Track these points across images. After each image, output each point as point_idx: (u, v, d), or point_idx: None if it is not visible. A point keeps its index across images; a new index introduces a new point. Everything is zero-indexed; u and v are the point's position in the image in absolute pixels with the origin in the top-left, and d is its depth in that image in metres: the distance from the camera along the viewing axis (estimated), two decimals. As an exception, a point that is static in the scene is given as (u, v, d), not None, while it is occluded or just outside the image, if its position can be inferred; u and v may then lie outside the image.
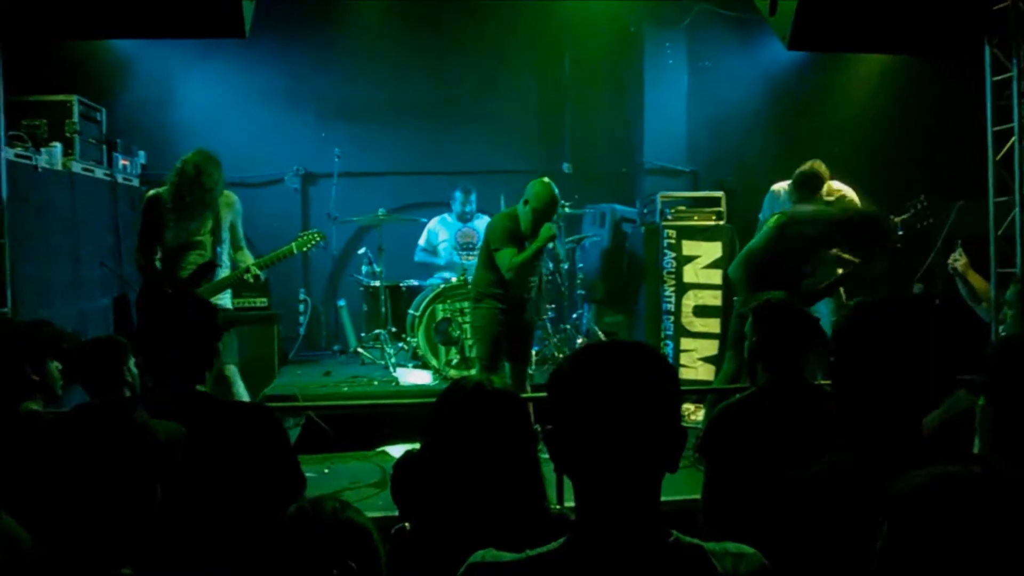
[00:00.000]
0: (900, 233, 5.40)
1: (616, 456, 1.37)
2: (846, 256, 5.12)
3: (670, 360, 6.50)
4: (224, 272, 5.18)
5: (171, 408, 2.49)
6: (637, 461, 1.38)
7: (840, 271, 5.14)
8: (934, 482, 1.33)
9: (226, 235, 5.18)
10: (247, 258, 5.26)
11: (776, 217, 5.09)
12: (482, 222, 7.60)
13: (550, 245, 5.53)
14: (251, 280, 5.21)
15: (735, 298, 5.16)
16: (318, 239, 5.56)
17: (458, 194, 7.50)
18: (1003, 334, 3.54)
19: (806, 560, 1.70)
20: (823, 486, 1.69)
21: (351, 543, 1.62)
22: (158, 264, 5.10)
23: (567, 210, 7.17)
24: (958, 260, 4.57)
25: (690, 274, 6.58)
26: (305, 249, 5.50)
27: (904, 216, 5.44)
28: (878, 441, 1.71)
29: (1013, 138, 5.92)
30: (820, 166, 5.87)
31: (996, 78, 6.03)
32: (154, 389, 2.70)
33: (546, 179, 5.35)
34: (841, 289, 5.36)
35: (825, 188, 5.86)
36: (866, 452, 1.71)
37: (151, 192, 5.19)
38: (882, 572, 1.35)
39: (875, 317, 1.76)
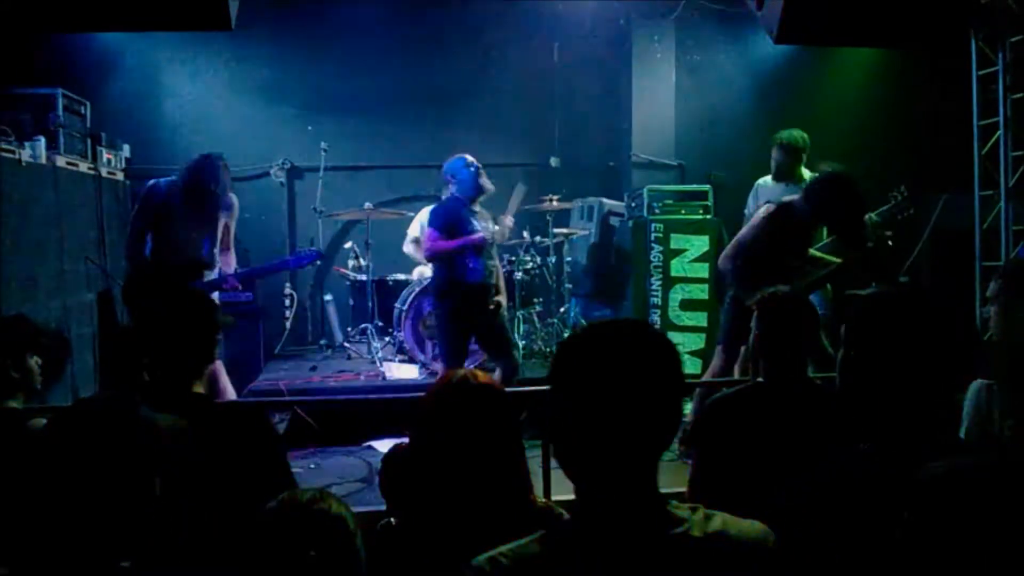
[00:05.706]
0: (878, 221, 5.37)
1: (621, 434, 1.38)
2: (819, 254, 5.12)
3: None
4: (213, 274, 5.13)
5: (166, 406, 2.36)
6: (640, 440, 1.39)
7: (827, 267, 5.14)
8: (954, 471, 1.36)
9: (218, 234, 5.15)
10: (231, 259, 5.23)
11: (765, 208, 5.08)
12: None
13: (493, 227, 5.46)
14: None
15: (728, 292, 5.13)
16: None
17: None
18: (991, 329, 3.54)
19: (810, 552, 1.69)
20: (846, 480, 1.67)
21: (325, 530, 1.63)
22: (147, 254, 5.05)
23: (555, 204, 7.17)
24: None
25: (677, 268, 6.57)
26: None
27: (883, 208, 5.44)
28: (898, 433, 1.69)
29: (998, 132, 5.96)
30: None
31: (982, 72, 6.06)
32: (150, 386, 2.55)
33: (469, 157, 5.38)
34: (828, 284, 5.36)
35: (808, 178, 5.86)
36: (886, 444, 1.69)
37: (154, 182, 5.05)
38: (904, 560, 1.38)
39: (893, 308, 1.73)
